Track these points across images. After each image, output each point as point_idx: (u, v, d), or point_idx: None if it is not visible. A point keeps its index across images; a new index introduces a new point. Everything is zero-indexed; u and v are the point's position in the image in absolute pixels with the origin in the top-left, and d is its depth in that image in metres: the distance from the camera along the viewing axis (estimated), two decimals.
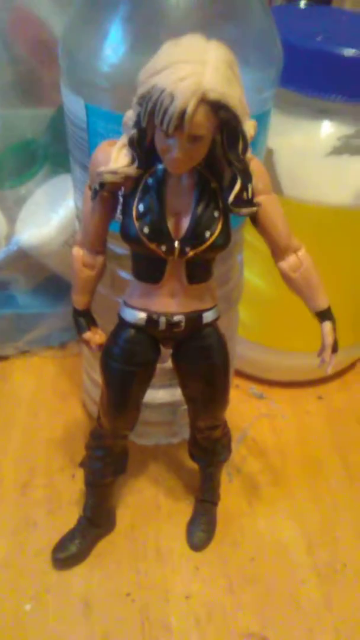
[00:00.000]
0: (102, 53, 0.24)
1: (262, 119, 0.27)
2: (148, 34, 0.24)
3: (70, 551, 0.31)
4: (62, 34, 0.26)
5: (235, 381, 0.44)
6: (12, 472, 0.36)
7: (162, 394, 0.35)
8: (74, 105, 0.26)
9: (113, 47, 0.24)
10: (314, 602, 0.31)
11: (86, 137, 0.26)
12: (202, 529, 0.33)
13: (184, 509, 0.35)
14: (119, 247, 0.28)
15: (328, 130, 0.34)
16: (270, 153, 0.34)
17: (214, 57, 0.18)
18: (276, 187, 0.34)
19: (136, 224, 0.22)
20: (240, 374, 0.44)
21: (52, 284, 0.43)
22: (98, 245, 0.25)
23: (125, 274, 0.30)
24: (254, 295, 0.39)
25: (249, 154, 0.21)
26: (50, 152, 0.41)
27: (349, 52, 0.31)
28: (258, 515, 0.35)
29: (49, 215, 0.39)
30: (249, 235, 0.33)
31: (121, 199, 0.23)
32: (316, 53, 0.31)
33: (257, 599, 0.31)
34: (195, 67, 0.18)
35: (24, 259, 0.40)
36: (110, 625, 0.29)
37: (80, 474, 0.33)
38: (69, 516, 0.33)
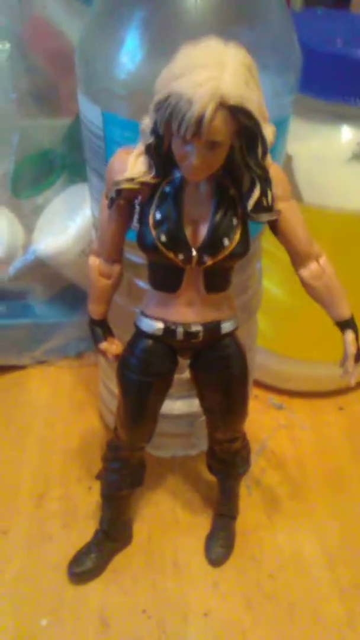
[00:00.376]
0: (118, 60, 0.24)
1: (281, 125, 0.26)
2: (165, 41, 0.23)
3: (86, 566, 0.31)
4: (78, 42, 0.26)
5: (253, 391, 0.43)
6: (28, 483, 0.36)
7: (180, 405, 0.34)
8: (91, 113, 0.26)
9: (129, 54, 0.24)
10: (336, 620, 0.30)
11: (103, 145, 0.26)
12: (220, 544, 0.32)
13: (202, 523, 0.34)
14: (136, 256, 0.27)
15: (348, 135, 0.33)
16: (289, 159, 0.33)
17: (232, 61, 0.18)
18: (296, 193, 0.33)
19: (153, 232, 0.22)
20: (258, 384, 0.44)
21: (69, 294, 0.43)
22: (114, 254, 0.25)
23: (143, 283, 0.29)
24: (273, 304, 0.38)
25: (268, 160, 0.21)
26: (68, 162, 0.41)
27: None
28: (277, 529, 0.34)
29: (66, 224, 0.39)
30: (266, 243, 0.32)
31: (138, 207, 0.23)
32: (335, 57, 0.31)
33: (277, 616, 0.30)
34: (213, 72, 0.17)
35: (41, 268, 0.40)
36: None
37: (96, 485, 0.32)
38: (85, 529, 0.33)
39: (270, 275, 0.36)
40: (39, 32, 0.39)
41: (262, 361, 0.41)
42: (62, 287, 0.43)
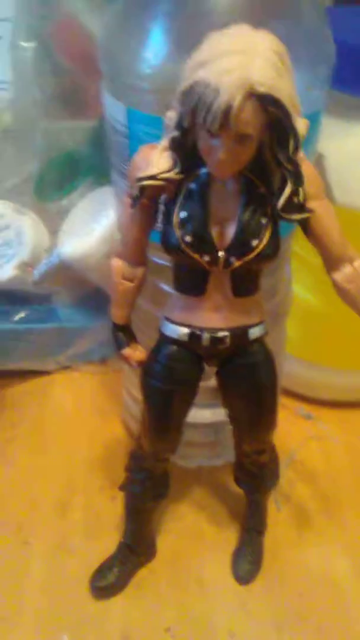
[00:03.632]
0: (143, 55, 0.23)
1: (312, 120, 0.25)
2: (191, 34, 0.22)
3: (109, 580, 0.30)
4: (101, 37, 0.25)
5: (281, 400, 0.41)
6: (51, 492, 0.35)
7: (205, 413, 0.33)
8: (115, 110, 0.25)
9: (154, 48, 0.23)
10: None
11: (127, 143, 0.25)
12: (248, 561, 0.31)
13: (229, 537, 0.33)
14: (160, 259, 0.26)
15: None
16: (321, 158, 0.32)
17: (262, 48, 0.16)
18: (328, 194, 0.32)
19: (177, 232, 0.20)
20: (286, 392, 0.42)
21: (93, 298, 0.42)
22: (138, 257, 0.24)
23: (167, 287, 0.28)
24: (302, 310, 0.36)
25: (300, 155, 0.20)
26: (93, 164, 0.40)
27: None
28: (308, 547, 0.33)
29: (91, 226, 0.38)
30: (296, 246, 0.31)
31: (162, 207, 0.22)
32: None
33: (307, 638, 0.28)
34: (242, 59, 0.16)
35: (66, 271, 0.40)
36: None
37: (120, 496, 0.31)
38: (109, 541, 0.32)
39: (300, 280, 0.35)
40: (67, 33, 0.39)
41: (290, 369, 0.39)
42: (86, 291, 0.42)
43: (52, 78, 0.37)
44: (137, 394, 0.35)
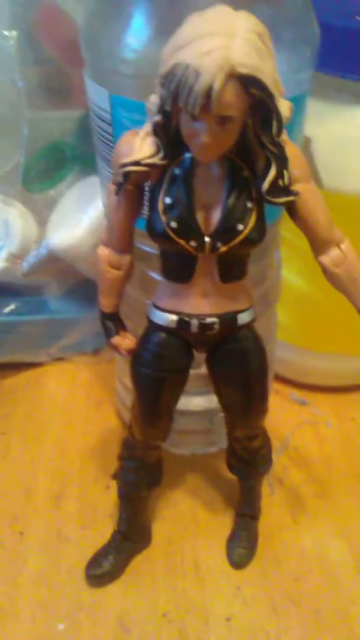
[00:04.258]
0: (124, 40, 0.23)
1: (298, 102, 0.25)
2: (173, 17, 0.22)
3: (104, 568, 0.30)
4: (83, 23, 0.25)
5: (274, 386, 0.41)
6: (45, 483, 0.35)
7: (198, 400, 0.33)
8: (98, 97, 0.25)
9: (136, 32, 0.22)
10: None
11: (110, 130, 0.25)
12: (242, 545, 0.31)
13: (224, 523, 0.33)
14: (148, 246, 0.26)
15: None
16: (307, 142, 0.32)
17: (242, 28, 0.16)
18: (315, 178, 0.32)
19: (162, 218, 0.20)
20: (279, 378, 0.42)
21: (83, 289, 0.42)
22: (124, 244, 0.23)
23: (156, 275, 0.28)
24: (293, 295, 0.36)
25: (284, 137, 0.19)
26: (80, 154, 0.40)
27: None
28: (302, 531, 0.33)
29: (79, 217, 0.38)
30: (285, 231, 0.31)
31: (148, 194, 0.22)
32: (355, 33, 0.29)
33: (303, 621, 0.29)
34: (222, 40, 0.16)
35: (55, 262, 0.40)
36: None
37: (114, 485, 0.31)
38: (103, 530, 0.32)
39: (290, 265, 0.35)
40: (49, 19, 0.38)
41: (283, 355, 0.39)
42: (76, 281, 0.42)
43: (35, 67, 0.37)
44: (129, 383, 0.35)
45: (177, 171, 0.20)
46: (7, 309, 0.41)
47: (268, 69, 0.17)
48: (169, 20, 0.22)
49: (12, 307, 0.41)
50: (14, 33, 0.34)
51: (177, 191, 0.20)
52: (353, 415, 0.40)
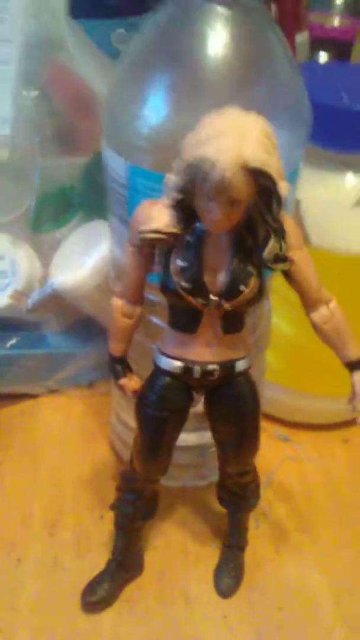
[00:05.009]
0: (143, 116, 0.25)
1: (293, 175, 0.28)
2: (187, 99, 0.25)
3: (100, 595, 0.31)
4: (106, 96, 0.28)
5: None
6: (41, 512, 0.37)
7: (191, 437, 0.35)
8: (115, 164, 0.27)
9: (153, 111, 0.25)
10: None
11: (126, 194, 0.27)
12: (230, 575, 0.33)
13: (212, 554, 0.35)
14: (153, 295, 0.29)
15: (353, 182, 0.35)
16: (298, 204, 0.35)
17: (253, 130, 0.20)
18: (304, 236, 0.35)
19: (175, 278, 0.23)
20: (265, 416, 0.44)
21: (82, 325, 0.44)
22: (137, 296, 0.26)
23: (158, 321, 0.30)
24: (281, 339, 0.39)
25: (282, 212, 0.23)
26: (85, 199, 0.42)
27: None
28: (285, 562, 0.35)
29: (83, 259, 0.40)
30: (275, 281, 0.34)
31: (157, 251, 0.25)
32: (343, 112, 0.33)
33: None
34: (236, 140, 0.19)
35: (57, 300, 0.42)
36: None
37: (108, 515, 0.33)
38: (98, 558, 0.33)
39: (278, 312, 0.37)
40: (61, 76, 0.41)
41: (269, 394, 0.42)
42: (76, 318, 0.44)
43: (49, 119, 0.40)
44: (125, 417, 0.37)
45: (189, 238, 0.23)
46: (9, 343, 0.43)
47: (273, 162, 0.20)
48: (184, 103, 0.25)
49: (13, 341, 0.43)
50: (35, 92, 0.37)
51: (189, 256, 0.23)
52: (332, 451, 0.43)
